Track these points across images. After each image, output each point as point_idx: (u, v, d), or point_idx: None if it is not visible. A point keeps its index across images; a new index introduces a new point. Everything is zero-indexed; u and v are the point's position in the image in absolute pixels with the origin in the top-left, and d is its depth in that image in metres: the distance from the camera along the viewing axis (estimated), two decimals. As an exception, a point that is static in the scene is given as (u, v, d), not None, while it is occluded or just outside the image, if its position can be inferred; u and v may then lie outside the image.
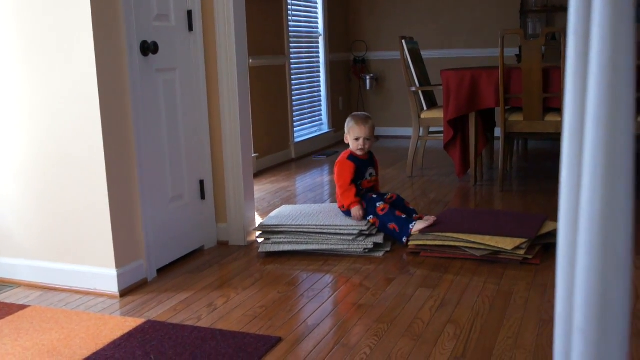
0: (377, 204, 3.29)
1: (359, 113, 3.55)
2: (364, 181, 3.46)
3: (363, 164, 3.45)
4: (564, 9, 6.69)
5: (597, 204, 0.54)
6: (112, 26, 2.71)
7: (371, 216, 3.28)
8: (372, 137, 3.47)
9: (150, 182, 2.96)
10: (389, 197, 3.46)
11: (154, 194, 2.99)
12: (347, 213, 3.35)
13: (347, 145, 3.50)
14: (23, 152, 2.84)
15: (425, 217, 3.34)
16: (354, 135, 3.42)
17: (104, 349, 2.21)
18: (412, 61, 5.13)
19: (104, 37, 2.67)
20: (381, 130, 7.72)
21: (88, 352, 2.19)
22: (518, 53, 6.53)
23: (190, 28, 3.24)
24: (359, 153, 3.43)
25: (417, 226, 3.22)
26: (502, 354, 2.09)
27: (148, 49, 2.90)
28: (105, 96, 2.68)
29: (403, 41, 5.11)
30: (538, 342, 2.16)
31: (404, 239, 3.23)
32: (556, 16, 6.90)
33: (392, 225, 3.26)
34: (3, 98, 2.83)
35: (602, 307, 0.53)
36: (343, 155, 3.47)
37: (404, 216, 3.28)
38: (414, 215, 3.40)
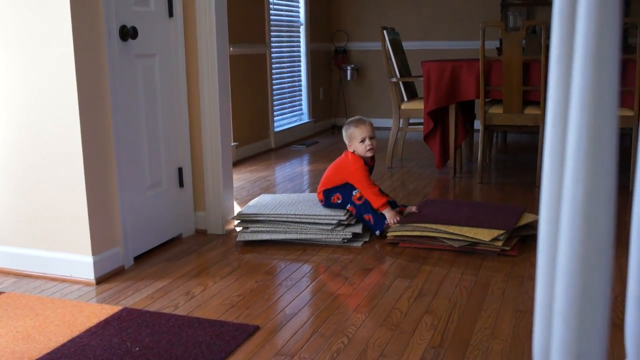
0: (354, 193, 3.29)
1: (352, 118, 3.47)
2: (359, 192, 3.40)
3: (370, 170, 3.40)
4: (544, 2, 6.73)
5: (580, 189, 0.53)
6: (90, 10, 2.67)
7: (348, 205, 3.28)
8: (374, 136, 3.39)
9: (128, 169, 2.93)
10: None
11: (131, 181, 2.96)
12: (327, 205, 3.33)
13: (344, 147, 3.45)
14: (-2, 137, 2.79)
15: (407, 209, 3.35)
16: (359, 138, 3.33)
17: (79, 336, 2.18)
18: (393, 52, 5.12)
19: (83, 20, 2.63)
20: (361, 121, 7.72)
21: (63, 339, 2.16)
22: (499, 46, 6.55)
23: (171, 14, 3.21)
24: (369, 154, 3.36)
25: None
26: (479, 344, 2.10)
27: (127, 33, 2.87)
28: (83, 81, 2.64)
29: (385, 31, 5.11)
30: (514, 332, 2.17)
31: (377, 232, 3.24)
32: (537, 9, 6.93)
33: (367, 216, 3.26)
34: (-22, 81, 2.78)
35: (583, 292, 0.53)
36: (354, 156, 3.35)
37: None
38: (395, 209, 3.40)
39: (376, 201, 3.26)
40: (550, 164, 0.61)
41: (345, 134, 3.40)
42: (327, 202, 3.34)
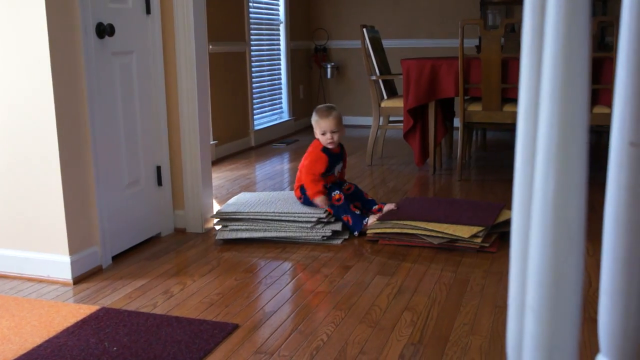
0: (333, 194, 3.28)
1: (322, 105, 3.48)
2: (330, 176, 3.41)
3: (335, 158, 3.42)
4: (523, 1, 6.76)
5: (550, 183, 0.53)
6: (66, 7, 2.64)
7: (327, 206, 3.27)
8: (340, 129, 3.40)
9: (106, 168, 2.91)
10: (346, 187, 3.46)
11: (109, 180, 2.94)
12: (305, 202, 3.33)
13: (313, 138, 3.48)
14: (-27, 135, 2.75)
15: (387, 206, 3.35)
16: (319, 130, 3.37)
17: (56, 337, 2.16)
18: (372, 50, 5.12)
19: (58, 18, 2.60)
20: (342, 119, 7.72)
21: (40, 340, 2.14)
22: (478, 44, 6.58)
23: (148, 11, 3.18)
24: (330, 147, 3.38)
25: (370, 220, 3.23)
26: (458, 339, 2.10)
27: (104, 31, 2.84)
28: (59, 79, 2.61)
29: (364, 29, 5.11)
30: (494, 328, 2.18)
31: (355, 233, 3.25)
32: (515, 8, 6.97)
33: (345, 217, 3.26)
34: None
35: (554, 286, 0.52)
36: (317, 145, 3.40)
37: (358, 212, 3.28)
38: (374, 207, 3.40)
39: (310, 188, 3.29)
40: (522, 159, 0.61)
41: (312, 119, 3.45)
42: (305, 200, 3.33)
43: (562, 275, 0.52)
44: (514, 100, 4.41)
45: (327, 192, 3.31)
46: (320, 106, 3.51)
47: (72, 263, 2.70)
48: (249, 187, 4.50)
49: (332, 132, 3.35)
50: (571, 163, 0.52)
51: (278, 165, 5.36)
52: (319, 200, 3.27)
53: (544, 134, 0.53)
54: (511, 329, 0.61)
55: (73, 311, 2.38)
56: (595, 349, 1.94)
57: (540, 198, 0.53)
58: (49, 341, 2.13)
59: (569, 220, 0.52)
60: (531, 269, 0.53)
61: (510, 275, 0.61)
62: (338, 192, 3.29)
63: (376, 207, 3.41)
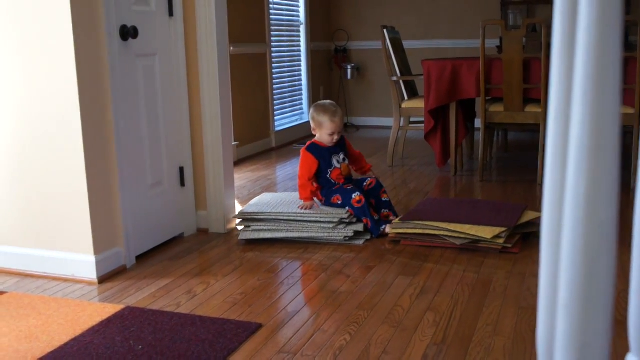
0: (353, 196, 3.27)
1: (328, 104, 3.42)
2: (333, 171, 3.39)
3: (327, 151, 3.39)
4: (544, 0, 6.73)
5: (582, 182, 0.54)
6: (91, 10, 2.67)
7: (347, 207, 3.27)
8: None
9: (130, 168, 2.94)
10: (367, 183, 3.44)
11: (133, 180, 2.97)
12: (327, 204, 3.34)
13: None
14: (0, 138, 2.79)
15: (387, 227, 3.26)
16: (328, 131, 3.35)
17: (82, 335, 2.19)
18: (393, 51, 5.12)
19: (83, 21, 2.63)
20: (361, 120, 7.73)
21: (67, 338, 2.17)
22: (499, 44, 6.55)
23: (171, 13, 3.21)
24: (329, 145, 3.39)
25: (387, 229, 3.22)
26: (482, 340, 2.10)
27: (128, 33, 2.87)
28: (84, 81, 2.64)
29: (385, 30, 5.11)
30: (517, 329, 2.18)
31: (374, 236, 3.25)
32: (537, 8, 6.93)
33: (365, 220, 3.26)
34: (-21, 81, 2.79)
35: (586, 284, 0.53)
36: (306, 145, 3.42)
37: (376, 217, 3.29)
38: (382, 212, 3.38)
39: (299, 193, 3.36)
40: (552, 158, 0.62)
41: (315, 117, 3.39)
42: (327, 202, 3.34)
43: (594, 274, 0.53)
44: (536, 100, 4.40)
45: (312, 197, 3.35)
46: (325, 104, 3.45)
47: (97, 263, 2.73)
48: (270, 188, 4.52)
49: (339, 132, 3.37)
50: (603, 163, 0.53)
51: (298, 167, 5.36)
52: (303, 204, 3.30)
53: (576, 134, 0.54)
54: (541, 327, 0.62)
55: (98, 310, 2.41)
56: (620, 350, 1.93)
57: (572, 197, 0.53)
58: (75, 339, 2.16)
59: (602, 219, 0.52)
60: (563, 268, 0.54)
61: (541, 274, 0.61)
62: (358, 193, 3.27)
63: (384, 212, 3.39)
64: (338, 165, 3.41)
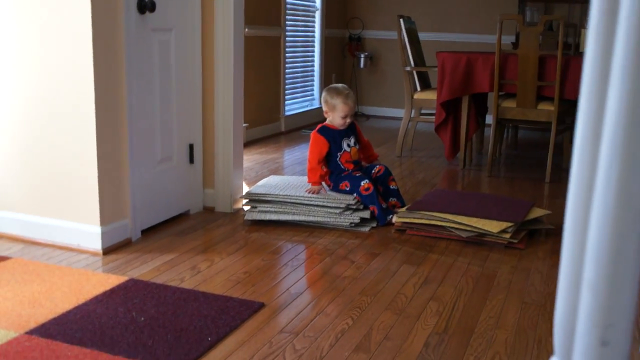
0: (362, 183, 3.27)
1: (341, 87, 3.41)
2: (343, 154, 3.37)
3: (338, 134, 3.38)
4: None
5: (615, 159, 0.53)
6: (110, -20, 2.66)
7: (355, 194, 3.27)
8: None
9: (140, 142, 2.93)
10: (376, 170, 3.43)
11: (142, 154, 2.96)
12: (335, 190, 3.34)
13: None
14: (12, 105, 2.79)
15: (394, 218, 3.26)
16: (341, 114, 3.34)
17: (85, 304, 2.19)
18: (408, 41, 5.10)
19: (102, -10, 2.62)
20: (372, 110, 7.71)
21: (69, 306, 2.17)
22: (514, 41, 6.52)
23: (189, -11, 3.19)
24: (342, 127, 3.38)
25: (395, 219, 3.22)
26: (484, 332, 2.10)
27: (145, 6, 2.86)
28: (99, 53, 2.63)
29: (401, 20, 5.08)
30: (520, 323, 2.17)
31: (380, 224, 3.25)
32: (554, 6, 6.89)
33: (372, 208, 3.25)
34: (-5, 46, 2.78)
35: (613, 262, 0.52)
36: (315, 131, 3.41)
37: (384, 205, 3.28)
38: (390, 200, 3.38)
39: (308, 177, 3.35)
40: (583, 136, 0.61)
41: (328, 100, 3.37)
42: (335, 188, 3.34)
43: (622, 252, 0.52)
44: (549, 98, 4.37)
45: (321, 181, 3.34)
46: (337, 87, 3.44)
47: (103, 234, 2.73)
48: (278, 171, 4.51)
49: (351, 115, 3.38)
50: (637, 139, 0.52)
51: (307, 152, 5.35)
52: (311, 189, 3.30)
53: (614, 110, 0.53)
54: (560, 306, 0.61)
55: (102, 280, 2.41)
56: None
57: (603, 175, 0.53)
58: (78, 308, 2.16)
59: (632, 196, 0.51)
60: (590, 245, 0.53)
61: (563, 252, 0.61)
62: (367, 181, 3.27)
63: (392, 201, 3.39)
64: (348, 149, 3.39)
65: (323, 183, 3.38)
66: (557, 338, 0.65)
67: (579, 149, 0.61)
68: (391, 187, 3.42)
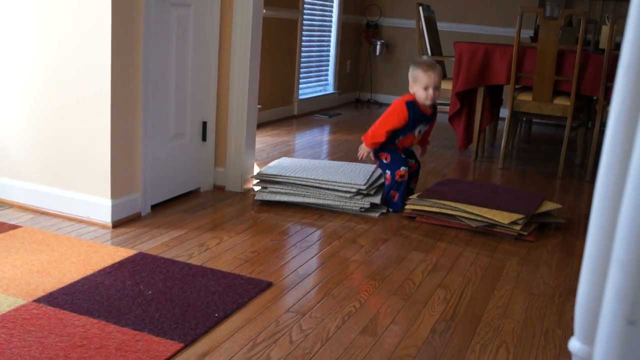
0: (401, 168, 3.22)
1: (425, 59, 3.33)
2: (406, 138, 3.30)
3: (421, 117, 3.27)
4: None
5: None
6: (131, -48, 2.65)
7: (388, 172, 3.25)
8: (440, 87, 3.26)
9: (154, 117, 2.93)
10: (413, 162, 3.39)
11: (156, 130, 2.96)
12: (376, 156, 3.30)
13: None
14: (30, 74, 2.79)
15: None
16: (421, 84, 3.21)
17: (93, 275, 2.20)
18: (426, 29, 5.07)
19: (123, -38, 2.61)
20: (385, 98, 7.67)
21: (77, 276, 2.18)
22: (532, 35, 6.47)
23: (210, -34, 3.18)
24: (427, 103, 3.24)
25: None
26: (491, 321, 2.09)
27: (165, -20, 2.84)
28: (117, 25, 2.62)
29: (420, 8, 5.05)
30: (527, 314, 2.16)
31: (390, 210, 3.24)
32: (575, 1, 6.82)
33: (394, 193, 3.23)
34: (11, 22, 2.77)
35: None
36: (403, 98, 3.27)
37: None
38: (411, 160, 3.37)
39: (369, 137, 3.26)
40: (617, 116, 0.60)
41: (411, 73, 3.27)
42: (376, 153, 3.30)
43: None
44: (565, 93, 4.34)
45: (377, 149, 3.26)
46: (421, 59, 3.35)
47: (113, 207, 2.73)
48: (289, 153, 4.50)
49: (435, 88, 3.21)
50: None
51: (318, 136, 5.36)
52: (363, 148, 3.26)
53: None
54: (584, 286, 0.60)
55: (111, 253, 2.42)
56: None
57: (638, 155, 0.51)
58: (86, 278, 2.17)
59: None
60: (621, 224, 0.52)
61: (590, 232, 0.60)
62: (405, 168, 3.22)
63: (406, 198, 3.32)
64: (416, 135, 3.33)
65: (371, 154, 3.32)
66: (578, 320, 0.64)
67: (612, 128, 0.60)
68: (411, 186, 3.40)
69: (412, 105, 3.25)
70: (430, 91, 3.20)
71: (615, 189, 0.58)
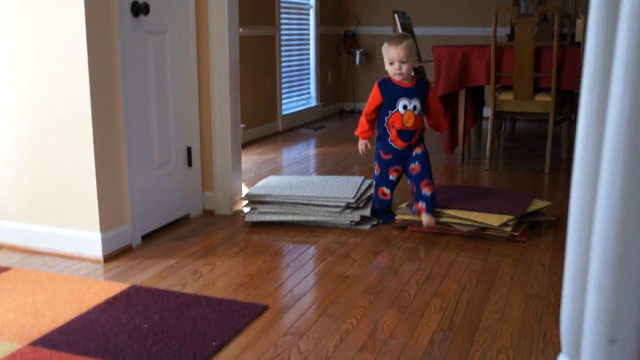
0: (383, 187, 3.20)
1: (393, 35, 3.23)
2: (394, 116, 3.09)
3: (399, 91, 3.08)
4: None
5: (620, 159, 0.52)
6: (102, -15, 2.65)
7: (374, 182, 3.23)
8: (412, 58, 3.06)
9: (137, 147, 2.92)
10: (412, 167, 3.16)
11: (140, 159, 2.95)
12: (377, 154, 3.22)
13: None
14: (8, 112, 2.78)
15: (424, 217, 3.06)
16: (388, 59, 3.07)
17: (88, 312, 2.18)
18: (403, 36, 5.08)
19: (94, -4, 2.61)
20: (369, 106, 7.68)
21: (72, 315, 2.16)
22: (509, 33, 6.51)
23: (182, -8, 3.18)
24: (396, 78, 3.08)
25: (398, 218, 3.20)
26: (489, 327, 2.09)
27: (139, 9, 2.84)
28: (94, 57, 2.62)
29: (396, 15, 5.07)
30: (524, 317, 2.17)
31: (381, 221, 3.24)
32: (548, -3, 6.87)
33: (376, 207, 3.24)
34: (-11, 56, 2.77)
35: (619, 261, 0.51)
36: (378, 81, 3.18)
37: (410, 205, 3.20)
38: (416, 203, 3.23)
39: (359, 126, 3.21)
40: (585, 136, 0.60)
41: (383, 48, 3.13)
42: (376, 151, 3.23)
43: (627, 250, 0.51)
44: (546, 89, 4.36)
45: (365, 137, 3.20)
46: (392, 35, 3.29)
47: (103, 240, 2.72)
48: (276, 171, 4.50)
49: (401, 62, 3.03)
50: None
51: (305, 151, 5.36)
52: (360, 143, 3.22)
53: (614, 118, 0.52)
54: (567, 304, 0.60)
55: (104, 288, 2.40)
56: None
57: (607, 174, 0.52)
58: (81, 317, 2.15)
59: (637, 195, 0.51)
60: (595, 247, 0.52)
61: (568, 252, 0.60)
62: (387, 189, 3.19)
63: (418, 205, 3.08)
64: (402, 111, 3.08)
65: (367, 143, 3.24)
66: (564, 336, 0.65)
67: (581, 148, 0.60)
68: (423, 192, 3.07)
69: (385, 82, 3.13)
70: (396, 65, 3.04)
71: (589, 208, 0.58)
